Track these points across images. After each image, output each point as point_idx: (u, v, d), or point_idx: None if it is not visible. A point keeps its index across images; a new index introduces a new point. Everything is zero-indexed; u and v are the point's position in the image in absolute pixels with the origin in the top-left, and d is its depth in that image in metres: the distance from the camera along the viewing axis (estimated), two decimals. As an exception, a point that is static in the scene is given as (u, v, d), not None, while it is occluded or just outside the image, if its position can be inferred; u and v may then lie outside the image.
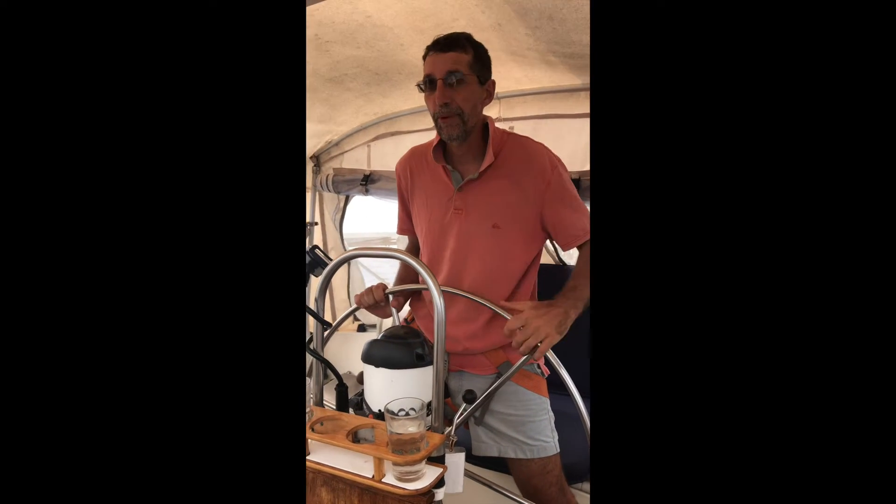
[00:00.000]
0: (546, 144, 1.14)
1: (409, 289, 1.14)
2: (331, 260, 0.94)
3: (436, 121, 1.03)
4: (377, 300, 1.10)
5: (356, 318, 2.45)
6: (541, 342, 0.88)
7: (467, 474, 1.06)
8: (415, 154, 1.19)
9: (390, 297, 1.13)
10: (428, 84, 1.02)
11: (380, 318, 2.34)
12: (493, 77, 1.08)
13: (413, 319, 1.26)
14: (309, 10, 1.15)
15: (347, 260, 0.93)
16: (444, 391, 1.03)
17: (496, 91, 1.10)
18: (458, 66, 1.00)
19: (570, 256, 1.89)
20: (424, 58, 1.03)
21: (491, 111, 1.80)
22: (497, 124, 1.78)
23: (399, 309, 1.20)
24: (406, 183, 1.20)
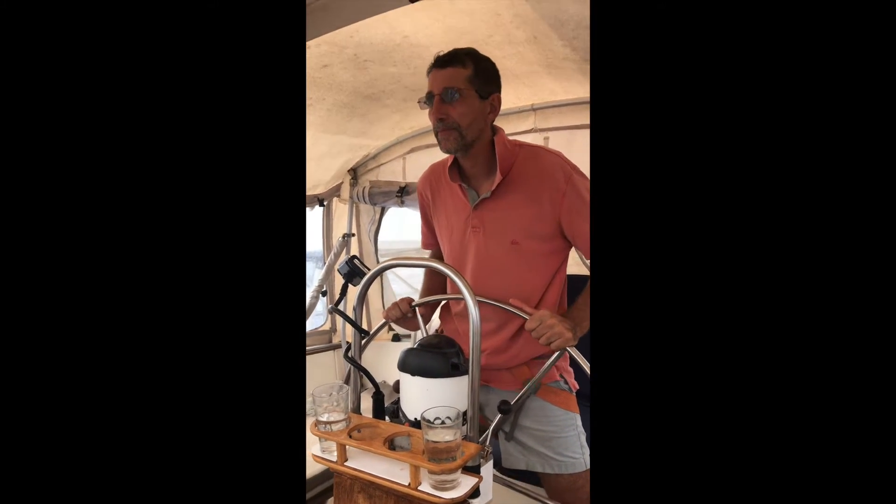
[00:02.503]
0: (581, 154, 1.12)
1: (435, 299, 1.15)
2: (368, 269, 0.96)
3: (436, 134, 1.05)
4: (403, 312, 1.12)
5: (391, 329, 2.48)
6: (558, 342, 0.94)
7: (503, 482, 1.06)
8: (434, 171, 1.20)
9: (416, 308, 1.15)
10: (427, 100, 1.04)
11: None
12: (500, 92, 1.07)
13: (443, 332, 1.27)
14: (348, 31, 1.19)
15: (385, 269, 0.95)
16: None
17: (532, 102, 1.11)
18: (455, 83, 1.00)
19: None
20: (428, 74, 1.06)
21: (526, 122, 1.82)
22: (532, 135, 1.77)
23: (427, 319, 1.21)
24: (427, 200, 1.21)
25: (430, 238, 1.26)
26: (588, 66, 1.42)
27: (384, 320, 1.19)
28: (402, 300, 1.13)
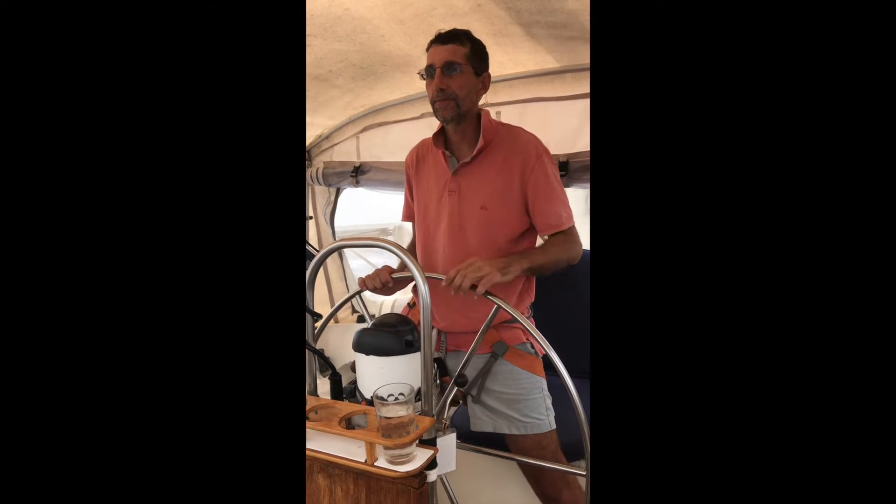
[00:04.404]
0: (532, 128, 1.19)
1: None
2: (317, 252, 0.95)
3: (433, 104, 1.14)
4: (384, 282, 1.15)
5: (355, 310, 2.47)
6: (482, 279, 0.94)
7: (471, 450, 1.09)
8: (423, 143, 1.29)
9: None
10: (428, 73, 1.13)
11: (378, 308, 2.36)
12: (489, 70, 1.17)
13: (415, 304, 1.30)
14: (286, 3, 1.14)
15: (332, 251, 0.95)
16: (443, 370, 1.06)
17: (490, 82, 1.16)
18: (455, 58, 1.11)
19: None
20: (427, 49, 1.15)
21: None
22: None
23: (397, 289, 1.24)
24: (412, 170, 1.29)
25: (412, 210, 1.32)
26: (536, 29, 1.41)
27: (354, 291, 1.20)
28: (383, 269, 1.16)
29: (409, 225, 1.38)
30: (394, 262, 1.27)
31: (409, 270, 1.12)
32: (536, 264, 1.08)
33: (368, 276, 1.16)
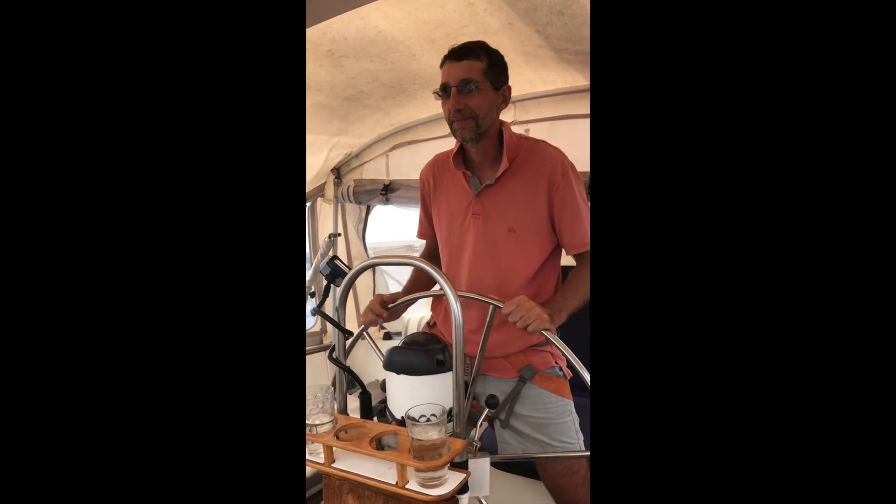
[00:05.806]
0: (561, 145, 1.16)
1: (409, 299, 1.14)
2: (350, 269, 0.95)
3: (450, 124, 1.08)
4: (378, 315, 1.11)
5: (382, 327, 2.47)
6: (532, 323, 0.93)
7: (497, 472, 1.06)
8: (438, 160, 1.24)
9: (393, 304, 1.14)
10: (443, 91, 1.07)
11: (404, 326, 2.36)
12: (509, 82, 1.12)
13: (435, 324, 1.27)
14: (321, 26, 1.18)
15: (365, 269, 0.95)
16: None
17: (512, 95, 1.13)
18: (472, 75, 1.04)
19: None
20: (441, 66, 1.09)
21: (506, 115, 1.81)
22: (513, 128, 1.80)
23: (401, 313, 1.21)
24: (428, 188, 1.24)
25: (427, 227, 1.28)
26: (565, 54, 1.42)
27: (361, 328, 1.16)
28: (374, 301, 1.12)
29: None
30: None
31: (406, 297, 1.11)
32: (576, 308, 1.06)
33: (364, 313, 1.12)
